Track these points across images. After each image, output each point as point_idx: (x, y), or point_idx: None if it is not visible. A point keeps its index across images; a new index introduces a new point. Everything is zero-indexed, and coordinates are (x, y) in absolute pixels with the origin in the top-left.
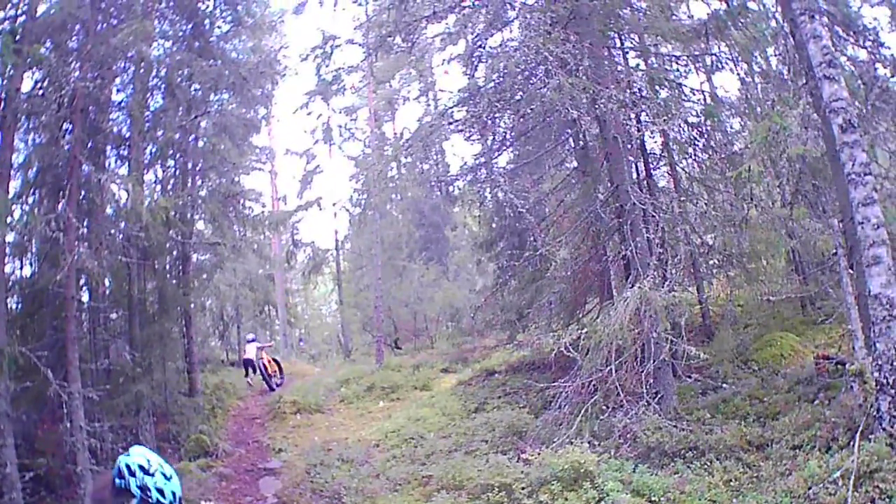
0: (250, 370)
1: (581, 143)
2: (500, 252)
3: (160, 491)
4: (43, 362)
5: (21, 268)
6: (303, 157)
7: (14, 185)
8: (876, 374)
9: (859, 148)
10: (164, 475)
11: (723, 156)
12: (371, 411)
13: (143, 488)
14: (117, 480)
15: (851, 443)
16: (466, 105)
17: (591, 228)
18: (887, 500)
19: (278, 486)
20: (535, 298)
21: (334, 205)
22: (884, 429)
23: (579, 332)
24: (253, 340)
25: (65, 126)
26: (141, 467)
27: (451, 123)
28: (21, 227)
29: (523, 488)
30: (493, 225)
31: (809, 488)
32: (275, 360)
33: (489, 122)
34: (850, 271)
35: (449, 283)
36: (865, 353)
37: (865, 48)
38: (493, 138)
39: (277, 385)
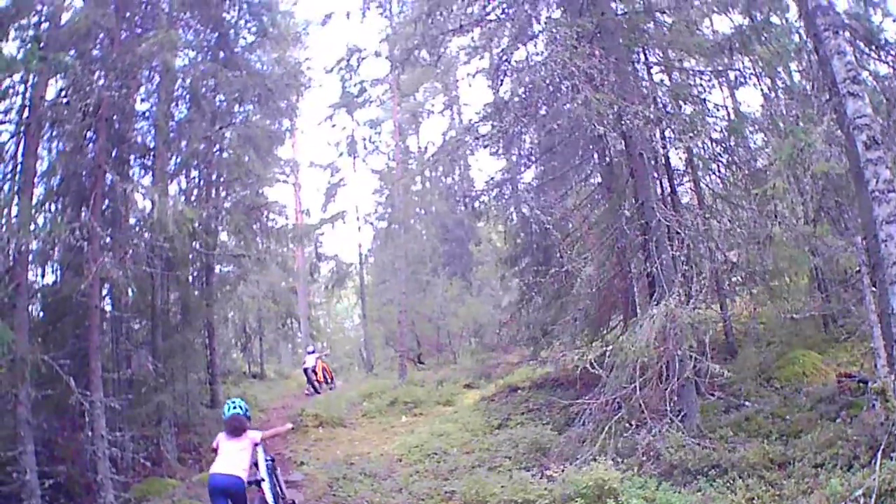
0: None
1: (606, 159)
2: (525, 268)
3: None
4: (65, 370)
5: (44, 276)
6: (327, 170)
7: (37, 193)
8: None
9: (883, 165)
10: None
11: (746, 172)
12: (394, 426)
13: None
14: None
15: (873, 461)
16: (492, 119)
17: (616, 245)
18: None
19: (300, 498)
20: (559, 315)
21: (358, 218)
22: None
23: (604, 349)
24: (313, 352)
25: (89, 135)
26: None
27: (476, 139)
28: (44, 235)
29: None
30: (518, 240)
31: None
32: (326, 368)
33: (514, 137)
34: (873, 289)
35: (472, 298)
36: (888, 370)
37: (887, 63)
38: (519, 153)
39: (329, 389)
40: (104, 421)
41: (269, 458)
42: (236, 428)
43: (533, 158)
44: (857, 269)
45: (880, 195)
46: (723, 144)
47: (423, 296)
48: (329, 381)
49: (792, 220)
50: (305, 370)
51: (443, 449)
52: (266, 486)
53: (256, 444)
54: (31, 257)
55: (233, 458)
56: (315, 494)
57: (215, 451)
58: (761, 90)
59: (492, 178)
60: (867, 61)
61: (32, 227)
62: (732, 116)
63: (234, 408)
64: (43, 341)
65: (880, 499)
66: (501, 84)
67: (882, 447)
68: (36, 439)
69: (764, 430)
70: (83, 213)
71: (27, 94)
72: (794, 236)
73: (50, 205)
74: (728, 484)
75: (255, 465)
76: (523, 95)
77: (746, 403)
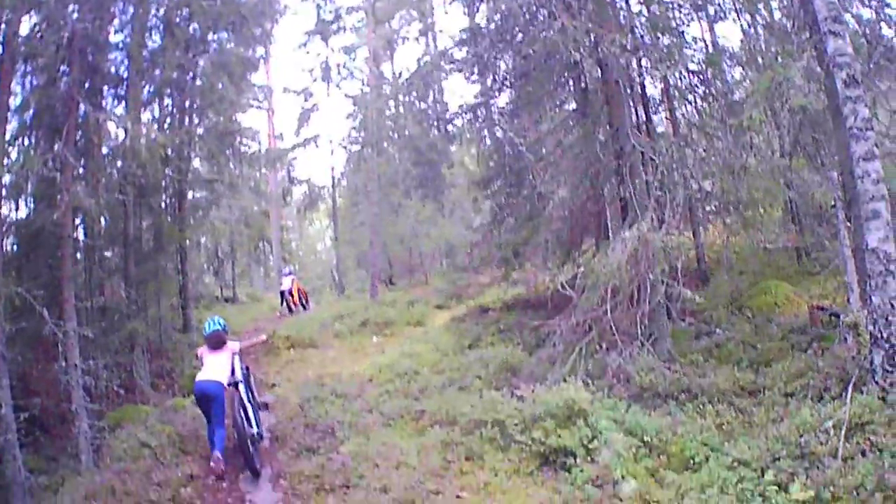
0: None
1: (582, 85)
2: (497, 190)
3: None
4: (39, 302)
5: (17, 209)
6: (300, 96)
7: (11, 128)
8: (870, 328)
9: (862, 103)
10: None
11: (723, 104)
12: (365, 346)
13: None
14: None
15: (844, 394)
16: (467, 45)
17: (590, 169)
18: (878, 452)
19: (272, 420)
20: (531, 237)
21: (331, 142)
22: (876, 382)
23: (575, 271)
24: (289, 274)
25: (62, 68)
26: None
27: (451, 63)
28: (17, 168)
29: (516, 424)
30: (491, 163)
31: (801, 436)
32: (301, 290)
33: (489, 62)
34: (848, 224)
35: (445, 220)
36: (860, 305)
37: (871, 7)
38: (493, 78)
39: (304, 310)
40: (77, 350)
41: (244, 366)
42: (217, 342)
43: (507, 83)
44: (833, 204)
45: (858, 133)
46: (700, 76)
47: (395, 218)
48: (305, 302)
49: (768, 153)
50: (282, 292)
51: (413, 369)
52: (242, 387)
53: (235, 354)
54: (4, 192)
55: (215, 367)
56: (287, 415)
57: (200, 359)
58: (741, 25)
59: (465, 103)
60: (850, 4)
61: (6, 161)
62: (710, 49)
63: (215, 324)
64: (16, 274)
65: (850, 431)
66: (477, 10)
67: (853, 381)
68: (10, 373)
69: (735, 358)
70: (56, 145)
71: (1, 31)
72: (769, 168)
73: (23, 139)
74: (698, 409)
75: (233, 371)
76: (499, 21)
77: (718, 330)
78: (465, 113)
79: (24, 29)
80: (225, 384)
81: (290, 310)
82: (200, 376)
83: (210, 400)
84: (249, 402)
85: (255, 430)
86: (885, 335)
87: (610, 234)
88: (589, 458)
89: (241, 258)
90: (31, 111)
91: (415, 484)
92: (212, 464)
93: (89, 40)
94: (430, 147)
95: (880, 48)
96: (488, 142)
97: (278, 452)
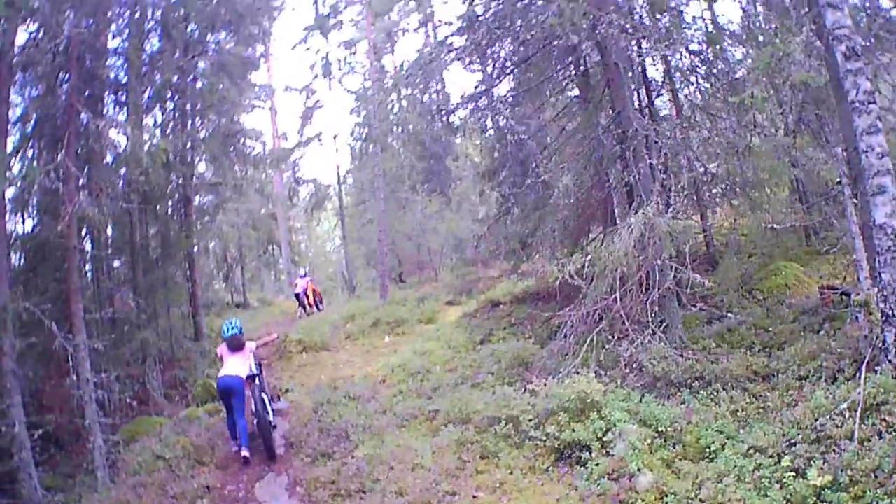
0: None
1: (582, 69)
2: (503, 181)
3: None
4: (47, 316)
5: (23, 222)
6: (302, 93)
7: (12, 140)
8: (881, 305)
9: (863, 76)
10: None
11: (725, 83)
12: (377, 347)
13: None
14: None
15: (857, 374)
16: (465, 33)
17: (594, 155)
18: (894, 433)
19: (286, 426)
20: (538, 226)
21: (335, 139)
22: (890, 361)
23: (583, 260)
24: (304, 276)
25: (61, 76)
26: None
27: (450, 52)
28: (20, 180)
29: (530, 420)
30: (495, 154)
31: (816, 419)
32: (316, 291)
33: (488, 49)
34: (855, 201)
35: (452, 213)
36: (870, 283)
37: None
38: (493, 66)
39: (318, 311)
40: (89, 364)
41: (258, 362)
42: (237, 345)
43: (508, 70)
44: (838, 180)
45: (860, 106)
46: (701, 56)
47: (402, 214)
48: (319, 302)
49: (771, 131)
50: (297, 294)
51: (426, 368)
52: (258, 380)
53: (252, 352)
54: (8, 205)
55: (236, 364)
56: (301, 421)
57: (220, 358)
58: (740, 3)
59: (466, 93)
60: None
61: (8, 174)
62: (710, 28)
63: (232, 328)
64: (24, 289)
65: (865, 412)
66: None
67: (866, 360)
68: (22, 390)
69: (747, 342)
70: (59, 155)
71: None
72: (773, 147)
73: (25, 150)
74: (712, 396)
75: (251, 367)
76: (497, 8)
77: (729, 315)
78: (467, 103)
79: (20, 39)
80: (244, 378)
81: (305, 310)
82: (223, 372)
83: (233, 393)
84: (264, 391)
85: (271, 417)
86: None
87: (617, 221)
88: (604, 451)
89: (250, 262)
90: (32, 122)
91: (430, 486)
92: (243, 454)
93: (87, 46)
94: (434, 140)
95: (879, 20)
96: (491, 132)
97: (294, 459)
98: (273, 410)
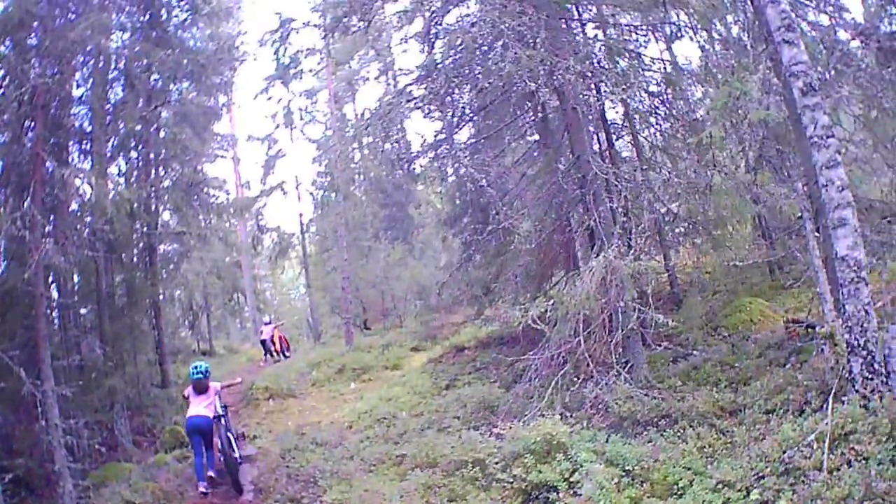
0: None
1: (541, 115)
2: (465, 227)
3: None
4: (15, 362)
5: None
6: (265, 143)
7: None
8: (846, 336)
9: (821, 110)
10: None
11: (684, 124)
12: (343, 393)
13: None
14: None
15: (825, 405)
16: (424, 82)
17: (555, 200)
18: (863, 461)
19: (254, 472)
20: (500, 272)
21: (298, 188)
22: (857, 390)
23: (546, 303)
24: (269, 323)
25: (27, 123)
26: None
27: (409, 101)
28: None
29: (497, 463)
30: (457, 201)
31: (784, 452)
32: (282, 338)
33: (448, 98)
34: (817, 234)
35: (415, 261)
36: (835, 315)
37: (826, 13)
38: (453, 114)
39: (285, 358)
40: (57, 410)
41: (223, 403)
42: (202, 387)
43: (467, 118)
44: (800, 215)
45: (819, 140)
46: (660, 97)
47: (365, 262)
48: (286, 349)
49: (732, 169)
50: (263, 341)
51: (392, 413)
52: (224, 420)
53: (217, 392)
54: None
55: (202, 405)
56: (269, 467)
57: (187, 398)
58: (698, 43)
59: (427, 141)
60: (806, 12)
61: None
62: (669, 69)
63: (197, 373)
64: None
65: (834, 442)
66: (433, 47)
67: (833, 391)
68: None
69: (713, 379)
70: (25, 202)
71: None
72: (734, 185)
73: None
74: (679, 433)
75: (216, 407)
76: (456, 57)
77: (694, 353)
78: (427, 151)
79: None
80: (211, 418)
81: (272, 356)
82: (191, 412)
83: (201, 431)
84: (230, 430)
85: (236, 453)
86: (861, 342)
87: (579, 264)
88: (571, 492)
89: (215, 310)
90: None
91: None
92: (200, 489)
93: (52, 95)
94: (396, 188)
95: (837, 53)
96: (452, 179)
97: None
98: (239, 447)
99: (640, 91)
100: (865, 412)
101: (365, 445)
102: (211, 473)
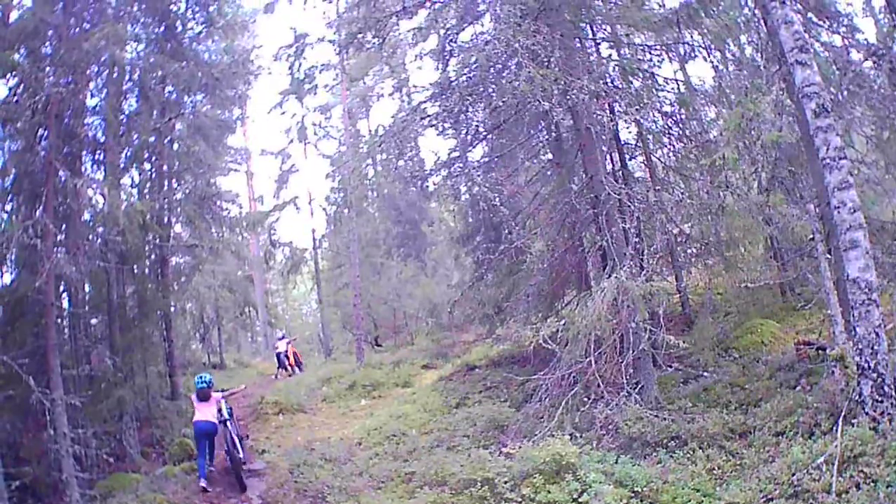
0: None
1: (554, 134)
2: (477, 246)
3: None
4: (25, 370)
5: (1, 276)
6: (278, 157)
7: None
8: (857, 359)
9: (833, 132)
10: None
11: (697, 144)
12: (353, 409)
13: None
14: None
15: (834, 428)
16: (439, 100)
17: (567, 220)
18: (872, 484)
19: (262, 487)
20: (512, 291)
21: (311, 203)
22: (867, 413)
23: (558, 324)
24: (283, 338)
25: (40, 132)
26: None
27: (423, 118)
28: None
29: (506, 482)
30: (470, 219)
31: (793, 474)
32: (296, 353)
33: (462, 116)
34: (828, 256)
35: (427, 278)
36: (845, 337)
37: (839, 34)
38: (466, 132)
39: (300, 371)
40: (66, 419)
41: (229, 408)
42: (204, 396)
43: (481, 136)
44: (812, 236)
45: (831, 162)
46: (673, 117)
47: (377, 278)
48: (299, 364)
49: (744, 190)
50: (278, 354)
51: (401, 430)
52: (229, 424)
53: (219, 400)
54: None
55: (206, 411)
56: (277, 482)
57: (192, 404)
58: (711, 63)
59: (441, 158)
60: (819, 32)
61: None
62: (682, 89)
63: (202, 382)
64: (2, 342)
65: (843, 465)
66: (448, 64)
67: (843, 413)
68: (0, 442)
69: (723, 400)
70: (37, 211)
71: None
72: (747, 206)
73: (4, 204)
74: (688, 455)
75: (220, 412)
76: (470, 75)
77: (705, 374)
78: (441, 169)
79: (0, 93)
80: (217, 423)
81: (285, 370)
82: (197, 417)
83: (207, 434)
84: (236, 434)
85: (241, 455)
86: (871, 365)
87: (591, 284)
88: None
89: (226, 324)
90: (11, 176)
91: None
92: (201, 484)
93: (66, 104)
94: (409, 205)
95: (850, 74)
96: (465, 198)
97: None
98: (243, 448)
99: (653, 111)
100: (875, 435)
101: (374, 462)
102: (211, 468)
